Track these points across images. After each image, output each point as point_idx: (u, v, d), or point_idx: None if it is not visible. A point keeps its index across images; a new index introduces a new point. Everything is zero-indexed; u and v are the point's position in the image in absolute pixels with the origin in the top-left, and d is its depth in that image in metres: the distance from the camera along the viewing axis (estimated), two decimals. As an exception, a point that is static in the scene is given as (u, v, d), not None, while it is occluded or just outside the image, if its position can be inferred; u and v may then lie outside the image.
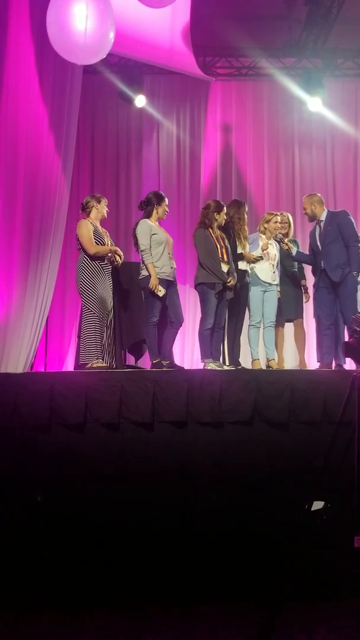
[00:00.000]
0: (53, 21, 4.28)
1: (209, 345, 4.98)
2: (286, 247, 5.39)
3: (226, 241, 5.17)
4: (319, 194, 5.38)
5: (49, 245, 5.98)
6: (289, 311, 5.57)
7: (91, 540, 3.66)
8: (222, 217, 5.18)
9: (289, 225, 5.67)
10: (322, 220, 5.18)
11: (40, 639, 3.03)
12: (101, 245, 4.94)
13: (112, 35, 4.35)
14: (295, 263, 5.58)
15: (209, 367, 4.83)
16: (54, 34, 4.33)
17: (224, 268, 5.03)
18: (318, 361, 5.19)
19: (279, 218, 5.53)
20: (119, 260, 5.04)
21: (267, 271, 5.36)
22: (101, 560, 3.63)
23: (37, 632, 3.07)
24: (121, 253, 5.07)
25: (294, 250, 5.38)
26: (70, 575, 3.59)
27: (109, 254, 4.97)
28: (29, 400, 3.84)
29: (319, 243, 5.14)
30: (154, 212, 5.00)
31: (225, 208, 5.22)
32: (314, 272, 5.32)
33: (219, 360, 5.06)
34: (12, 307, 5.75)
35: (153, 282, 4.76)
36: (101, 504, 3.72)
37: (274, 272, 5.40)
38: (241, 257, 5.30)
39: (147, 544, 3.65)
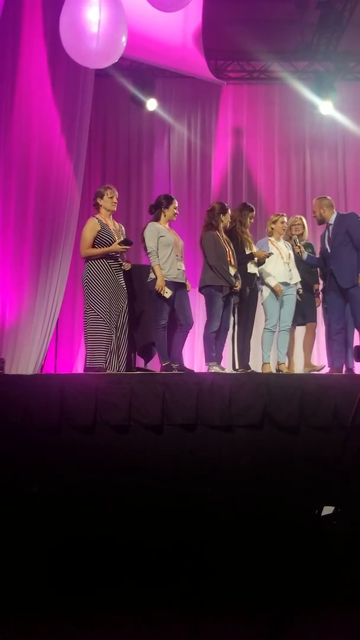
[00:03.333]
0: (66, 25, 4.31)
1: (213, 348, 4.98)
2: (298, 250, 5.35)
3: (231, 244, 5.17)
4: (329, 197, 5.34)
5: (60, 248, 6.01)
6: (301, 316, 5.54)
7: (98, 542, 3.66)
8: (227, 219, 5.18)
9: (303, 227, 5.61)
10: (331, 224, 5.14)
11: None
12: (110, 243, 4.81)
13: (124, 39, 4.37)
14: (309, 266, 5.55)
15: (212, 370, 4.82)
16: (67, 38, 4.35)
17: (232, 271, 5.03)
18: (329, 366, 5.16)
19: (285, 219, 5.51)
20: (125, 265, 4.89)
21: (281, 271, 5.34)
22: (108, 563, 3.62)
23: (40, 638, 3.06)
24: (119, 248, 4.78)
25: (304, 254, 5.36)
26: (77, 577, 3.59)
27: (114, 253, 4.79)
28: (40, 402, 3.85)
29: (327, 247, 5.11)
30: (162, 214, 5.01)
31: (229, 209, 5.22)
32: (322, 276, 5.29)
33: (221, 364, 5.05)
34: (23, 309, 5.79)
35: (159, 284, 4.75)
36: (109, 505, 3.72)
37: (289, 271, 5.36)
38: (250, 257, 5.27)
39: (155, 546, 3.64)
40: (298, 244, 5.37)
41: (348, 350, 5.11)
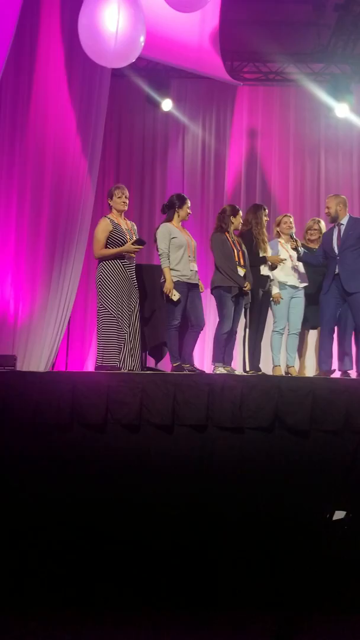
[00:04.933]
0: (85, 24, 4.32)
1: (223, 349, 4.97)
2: (294, 246, 5.23)
3: (243, 245, 5.17)
4: (343, 196, 5.26)
5: (73, 247, 6.04)
6: (314, 318, 5.51)
7: (107, 542, 3.67)
8: (238, 221, 5.17)
9: (319, 233, 5.51)
10: (342, 224, 5.03)
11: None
12: (122, 244, 4.83)
13: (142, 39, 4.38)
14: (322, 269, 5.50)
15: (217, 371, 4.82)
16: (85, 37, 4.37)
17: (241, 272, 5.02)
18: (339, 370, 5.13)
19: (289, 219, 5.48)
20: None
21: (288, 273, 5.32)
22: (115, 563, 3.63)
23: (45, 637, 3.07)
24: (132, 248, 4.79)
25: (301, 250, 5.21)
26: (83, 577, 3.59)
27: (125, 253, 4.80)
28: (51, 399, 3.86)
29: (335, 247, 4.98)
30: (176, 215, 5.01)
31: (240, 211, 5.22)
32: (325, 276, 5.12)
33: (230, 366, 5.04)
34: (36, 307, 5.82)
35: (168, 286, 4.76)
36: (118, 504, 3.72)
37: (298, 273, 5.31)
38: (263, 260, 5.25)
39: (163, 547, 3.64)
40: (294, 238, 5.25)
41: (344, 352, 5.03)
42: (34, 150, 5.90)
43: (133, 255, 4.88)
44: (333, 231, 5.09)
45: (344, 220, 5.04)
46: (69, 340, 6.46)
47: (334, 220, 5.12)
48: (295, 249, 5.22)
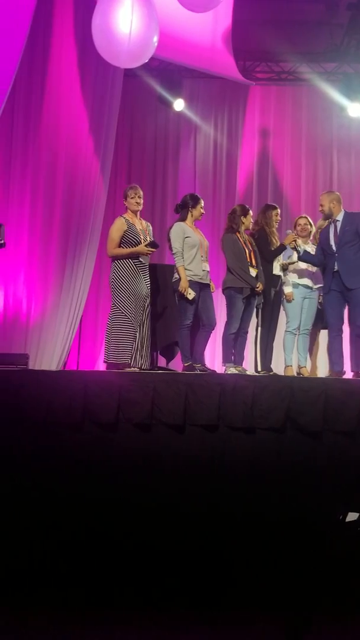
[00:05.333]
0: (98, 24, 4.33)
1: (232, 349, 4.97)
2: (293, 246, 5.17)
3: (254, 245, 5.16)
4: (337, 192, 5.24)
5: (85, 246, 6.07)
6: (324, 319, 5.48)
7: (117, 541, 3.68)
8: (248, 221, 5.17)
9: (311, 226, 5.47)
10: (338, 220, 4.96)
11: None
12: (136, 244, 4.85)
13: (155, 39, 4.38)
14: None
15: (229, 372, 4.82)
16: (98, 38, 4.38)
17: (252, 272, 5.01)
18: (352, 370, 5.10)
19: (304, 220, 5.45)
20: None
21: (302, 274, 5.30)
22: (126, 562, 3.64)
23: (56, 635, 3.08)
24: (145, 250, 4.81)
25: (301, 249, 5.17)
26: (93, 576, 3.61)
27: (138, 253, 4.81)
28: (63, 398, 3.88)
29: (332, 244, 4.92)
30: (189, 214, 5.02)
31: (250, 211, 5.22)
32: (324, 274, 5.08)
33: (241, 366, 5.04)
34: (48, 306, 5.85)
35: (183, 285, 4.77)
36: (129, 504, 3.73)
37: (310, 272, 5.29)
38: (280, 250, 5.20)
39: (173, 547, 3.65)
40: (294, 238, 5.19)
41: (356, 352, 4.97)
42: (46, 150, 5.93)
43: (146, 255, 4.90)
44: (329, 228, 5.03)
45: (340, 217, 4.99)
46: (80, 339, 6.48)
47: (328, 217, 5.06)
48: (295, 248, 5.18)
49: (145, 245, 4.82)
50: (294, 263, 5.30)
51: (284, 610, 3.25)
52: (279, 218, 5.43)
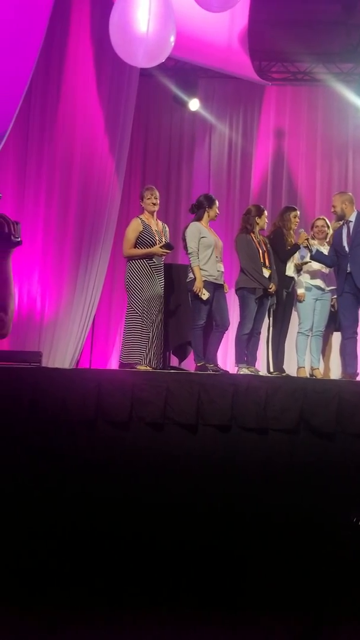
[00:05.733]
0: (116, 24, 4.34)
1: (244, 350, 4.97)
2: (305, 244, 5.14)
3: (268, 246, 5.15)
4: (350, 193, 5.21)
5: (100, 246, 6.09)
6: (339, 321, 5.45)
7: (132, 540, 3.69)
8: (263, 221, 5.17)
9: (328, 227, 5.46)
10: (351, 221, 4.94)
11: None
12: (151, 244, 4.88)
13: (172, 39, 4.39)
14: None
15: (241, 372, 4.82)
16: (116, 37, 4.39)
17: (266, 273, 5.00)
18: (342, 373, 5.07)
19: (320, 222, 5.43)
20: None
21: (315, 275, 5.29)
22: (136, 561, 3.64)
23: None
24: (160, 251, 4.84)
25: (313, 248, 5.14)
26: (101, 575, 3.61)
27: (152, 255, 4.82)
28: (77, 396, 3.89)
29: (345, 245, 4.89)
30: (205, 214, 5.02)
31: (265, 212, 5.22)
32: (337, 276, 5.05)
33: (254, 366, 5.03)
34: (62, 304, 5.88)
35: (198, 285, 4.77)
36: (142, 503, 3.74)
37: (323, 274, 5.28)
38: (295, 249, 5.20)
39: (187, 547, 3.65)
40: (305, 237, 5.16)
41: None
42: (62, 150, 5.96)
43: (160, 257, 4.92)
44: (342, 229, 5.01)
45: (352, 217, 4.96)
46: (93, 338, 6.51)
47: (340, 218, 5.04)
48: (307, 247, 5.15)
49: (160, 247, 4.84)
50: (307, 263, 5.29)
51: (301, 612, 3.24)
52: (297, 220, 5.41)
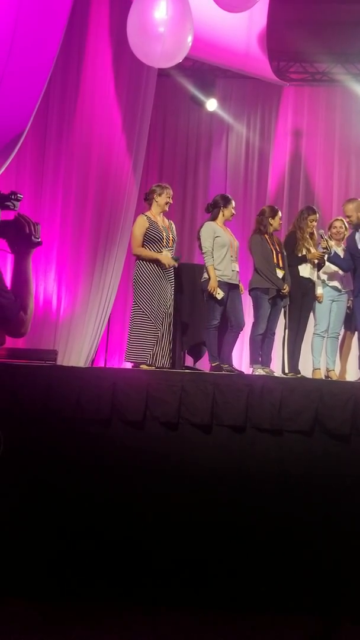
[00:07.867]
0: (134, 24, 4.36)
1: (259, 350, 4.96)
2: (324, 245, 5.09)
3: (282, 247, 5.13)
4: (359, 199, 5.19)
5: (116, 245, 6.11)
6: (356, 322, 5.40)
7: (146, 539, 3.69)
8: (277, 222, 5.14)
9: (346, 229, 5.41)
10: None
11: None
12: (159, 242, 4.79)
13: (190, 39, 4.39)
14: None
15: (256, 373, 4.80)
16: (133, 38, 4.41)
17: (279, 274, 4.98)
18: None
19: (338, 223, 5.39)
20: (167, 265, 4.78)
21: (332, 277, 5.26)
22: (152, 560, 3.64)
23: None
24: (167, 261, 4.77)
25: (332, 250, 5.10)
26: (113, 574, 3.62)
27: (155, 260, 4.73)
28: (92, 395, 3.90)
29: None
30: (220, 214, 5.01)
31: (279, 212, 5.19)
32: (353, 277, 5.03)
33: (268, 367, 5.01)
34: (78, 303, 5.91)
35: (212, 284, 4.76)
36: (156, 502, 3.74)
37: (340, 275, 5.24)
38: (302, 260, 5.16)
39: (201, 547, 3.64)
40: (325, 238, 5.11)
41: None
42: (79, 149, 5.99)
43: (167, 267, 4.79)
44: (355, 234, 5.03)
45: None
46: (108, 337, 6.53)
47: (358, 226, 5.06)
48: (326, 248, 5.10)
49: (172, 257, 4.76)
50: (327, 254, 5.16)
51: (312, 615, 3.22)
52: (315, 224, 5.31)
